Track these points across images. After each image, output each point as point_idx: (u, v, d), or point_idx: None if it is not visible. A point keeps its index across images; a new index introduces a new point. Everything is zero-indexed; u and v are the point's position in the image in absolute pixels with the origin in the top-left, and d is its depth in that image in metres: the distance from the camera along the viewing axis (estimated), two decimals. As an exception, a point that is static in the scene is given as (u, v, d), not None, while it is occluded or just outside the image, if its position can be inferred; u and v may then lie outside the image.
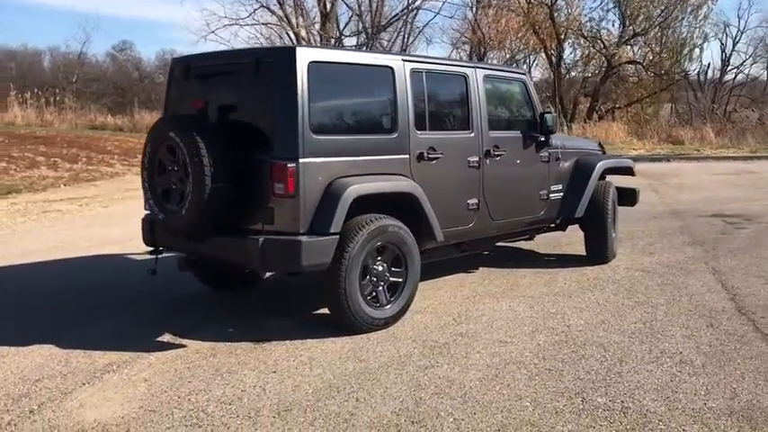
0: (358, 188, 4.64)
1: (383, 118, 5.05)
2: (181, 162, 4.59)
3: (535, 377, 4.06)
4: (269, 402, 3.74)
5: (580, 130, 24.63)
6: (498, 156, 5.78)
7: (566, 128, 24.12)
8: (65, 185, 14.08)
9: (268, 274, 4.84)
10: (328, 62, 4.70)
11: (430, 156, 5.20)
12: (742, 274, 6.35)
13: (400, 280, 5.00)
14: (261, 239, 4.43)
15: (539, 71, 31.07)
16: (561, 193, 6.55)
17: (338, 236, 4.56)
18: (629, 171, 7.31)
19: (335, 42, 28.93)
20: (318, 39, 28.70)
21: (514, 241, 6.90)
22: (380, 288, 4.91)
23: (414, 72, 5.15)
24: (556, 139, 6.50)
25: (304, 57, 4.50)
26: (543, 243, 7.86)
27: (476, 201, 5.63)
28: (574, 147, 6.83)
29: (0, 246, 8.08)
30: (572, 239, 7.57)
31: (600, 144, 7.62)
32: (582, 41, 28.25)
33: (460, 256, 6.17)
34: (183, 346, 4.64)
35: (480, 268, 6.75)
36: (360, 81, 4.93)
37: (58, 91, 28.55)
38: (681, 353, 4.42)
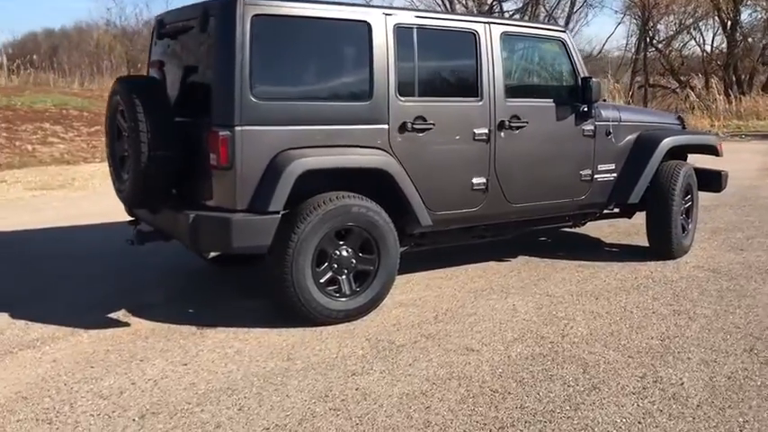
0: (308, 162, 4.05)
1: (354, 81, 4.37)
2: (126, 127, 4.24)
3: (469, 400, 3.31)
4: (146, 401, 3.31)
5: (751, 102, 21.90)
6: (518, 128, 4.91)
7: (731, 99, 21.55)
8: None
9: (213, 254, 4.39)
10: (282, 16, 4.10)
11: (416, 126, 4.47)
12: (842, 284, 5.04)
13: (370, 268, 4.37)
14: (192, 215, 3.99)
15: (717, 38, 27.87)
16: (614, 174, 5.52)
17: (279, 215, 4.01)
18: (712, 150, 6.07)
19: (490, 8, 27.75)
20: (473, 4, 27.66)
21: (562, 227, 5.96)
22: (344, 277, 4.30)
23: (399, 28, 4.42)
24: (608, 110, 5.49)
25: (247, 9, 3.94)
26: (615, 231, 6.85)
27: (483, 180, 4.82)
28: (635, 120, 5.73)
29: (49, 210, 8.27)
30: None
31: (680, 117, 6.40)
32: (763, 3, 24.96)
33: (481, 242, 5.39)
34: (128, 324, 4.34)
35: (519, 256, 5.91)
36: (325, 38, 4.29)
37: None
38: (681, 384, 3.46)
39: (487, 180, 4.83)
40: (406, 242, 4.79)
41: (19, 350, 3.95)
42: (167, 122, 4.15)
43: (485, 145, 4.79)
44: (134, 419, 3.14)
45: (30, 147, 13.58)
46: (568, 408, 3.22)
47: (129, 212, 4.95)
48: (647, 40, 26.84)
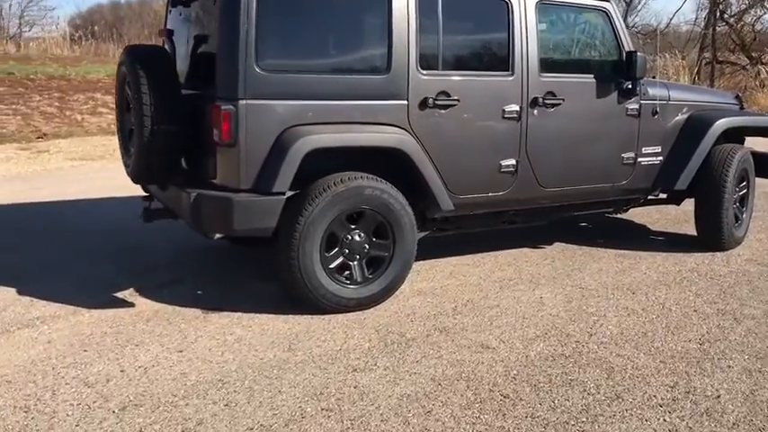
0: (316, 139, 3.77)
1: (370, 53, 4.06)
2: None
3: (475, 405, 3.02)
4: (131, 391, 3.12)
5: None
6: (553, 105, 4.53)
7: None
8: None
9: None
10: (291, -19, 3.82)
11: (439, 102, 4.14)
12: None
13: (385, 254, 4.09)
14: (193, 194, 3.77)
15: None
16: (660, 158, 5.09)
17: (284, 196, 3.76)
18: (771, 132, 5.56)
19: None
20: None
21: (602, 214, 5.54)
22: (355, 263, 4.04)
23: (423, -6, 4.08)
24: (656, 88, 5.04)
25: (254, -28, 3.67)
26: (663, 218, 6.41)
27: (513, 162, 4.47)
28: (686, 98, 5.25)
29: (85, 181, 8.23)
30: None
31: (738, 96, 5.87)
32: None
33: (513, 227, 5.04)
34: (132, 305, 4.17)
35: (555, 243, 5.55)
36: (339, 5, 3.98)
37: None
38: (717, 397, 3.09)
39: (517, 162, 4.48)
40: (428, 227, 4.50)
41: (17, 329, 3.81)
42: (173, 95, 3.93)
43: (515, 123, 4.43)
44: (114, 411, 2.96)
45: (79, 116, 13.72)
46: (584, 419, 2.90)
47: (144, 188, 4.78)
48: (718, 14, 25.53)
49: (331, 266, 3.96)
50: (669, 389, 3.16)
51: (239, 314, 4.02)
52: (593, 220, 6.21)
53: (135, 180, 4.25)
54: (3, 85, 15.06)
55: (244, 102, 3.66)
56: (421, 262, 4.91)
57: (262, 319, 3.96)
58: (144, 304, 4.19)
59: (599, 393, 3.12)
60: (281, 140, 3.73)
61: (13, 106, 13.74)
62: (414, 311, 4.09)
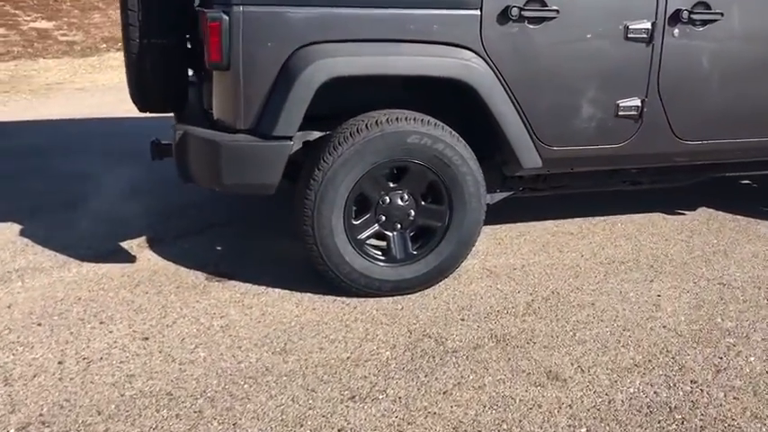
0: (338, 64, 2.72)
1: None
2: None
3: (502, 491, 1.97)
4: (50, 399, 2.36)
5: None
6: (705, 22, 3.15)
7: None
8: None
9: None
10: None
11: (528, 14, 2.92)
12: None
13: (438, 224, 3.02)
14: (179, 131, 2.87)
15: None
16: None
17: (290, 142, 2.77)
18: None
19: None
20: None
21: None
22: (395, 234, 3.01)
23: None
24: None
25: None
26: None
27: (637, 103, 3.18)
28: None
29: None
30: None
31: None
32: None
33: (636, 189, 3.77)
34: (132, 261, 3.43)
35: (699, 209, 4.19)
36: None
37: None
38: None
39: (644, 102, 3.18)
40: (509, 185, 3.37)
41: (-14, 284, 3.18)
42: (171, 2, 2.99)
43: (644, 48, 3.11)
44: (9, 432, 2.20)
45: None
46: None
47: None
48: None
49: (359, 237, 2.96)
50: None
51: (247, 286, 3.15)
52: (759, 178, 4.70)
53: (136, 105, 3.40)
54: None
55: (239, 8, 2.66)
56: (507, 225, 3.82)
57: (271, 296, 3.07)
58: (146, 260, 3.44)
59: (709, 493, 1.96)
60: (290, 64, 2.71)
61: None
62: (471, 303, 3.03)
